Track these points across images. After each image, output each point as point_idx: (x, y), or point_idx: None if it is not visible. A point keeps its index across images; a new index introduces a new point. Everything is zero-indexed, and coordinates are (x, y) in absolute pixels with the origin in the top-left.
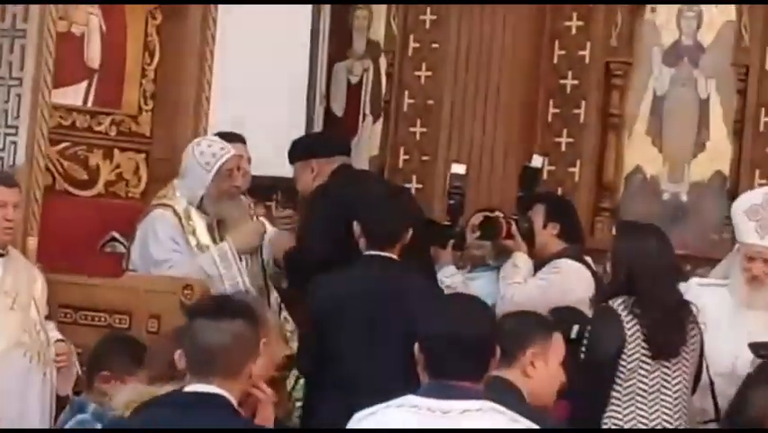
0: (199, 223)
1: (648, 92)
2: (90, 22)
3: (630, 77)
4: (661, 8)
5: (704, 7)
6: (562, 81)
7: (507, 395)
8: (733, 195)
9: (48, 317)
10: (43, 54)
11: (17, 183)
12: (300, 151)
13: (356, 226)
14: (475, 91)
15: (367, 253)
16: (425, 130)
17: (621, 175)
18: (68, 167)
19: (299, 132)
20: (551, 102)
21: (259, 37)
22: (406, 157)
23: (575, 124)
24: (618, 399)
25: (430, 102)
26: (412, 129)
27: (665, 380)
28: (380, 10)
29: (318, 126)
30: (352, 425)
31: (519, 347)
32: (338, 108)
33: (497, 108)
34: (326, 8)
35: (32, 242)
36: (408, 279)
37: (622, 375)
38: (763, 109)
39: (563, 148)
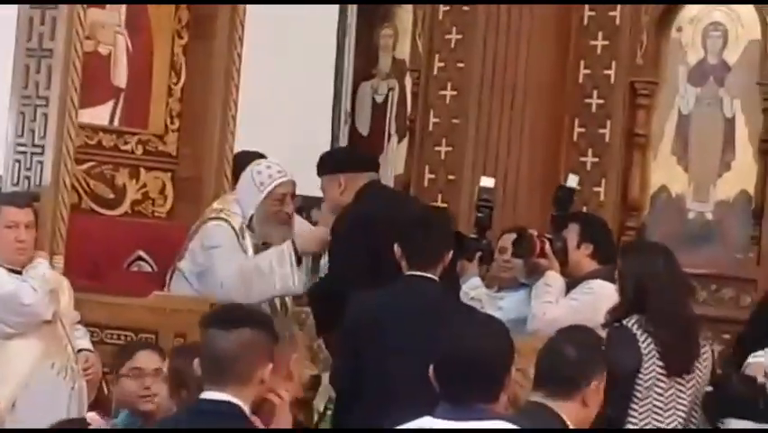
0: (250, 243)
1: (673, 111)
2: (117, 41)
3: (656, 96)
4: (686, 27)
5: (729, 26)
6: (587, 100)
7: (549, 423)
8: (758, 214)
9: (79, 322)
10: (70, 74)
11: (30, 203)
12: (329, 164)
13: (397, 249)
14: (500, 110)
15: (408, 273)
16: (450, 149)
17: (647, 194)
18: (95, 186)
19: (325, 150)
20: (576, 121)
21: (284, 56)
22: (432, 176)
23: (600, 143)
24: (635, 416)
25: (455, 121)
26: (437, 148)
27: (679, 396)
28: (406, 29)
29: (344, 145)
30: None
31: (585, 378)
32: (363, 127)
33: (522, 127)
34: (352, 27)
35: (59, 260)
36: (447, 301)
37: (639, 393)
38: None
39: (589, 167)
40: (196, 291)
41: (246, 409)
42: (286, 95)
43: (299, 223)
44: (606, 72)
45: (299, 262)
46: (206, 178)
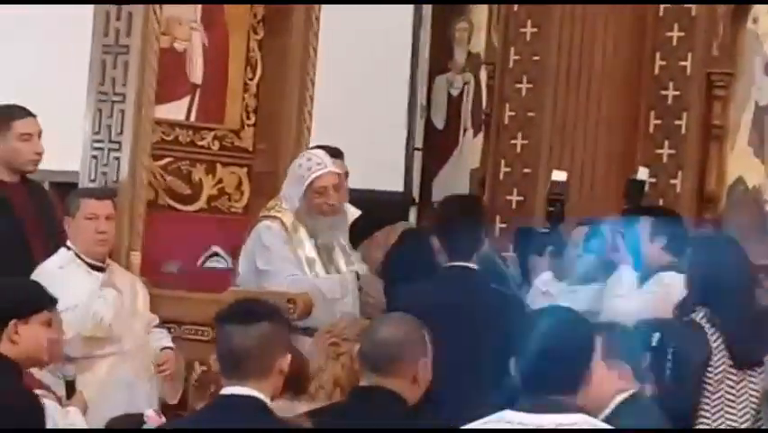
0: (305, 237)
1: (750, 102)
2: (193, 37)
3: (732, 87)
4: (763, 18)
5: None
6: (663, 92)
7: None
8: None
9: (159, 325)
10: (146, 70)
11: (110, 196)
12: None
13: (435, 242)
14: (576, 103)
15: (449, 264)
16: (526, 142)
17: (723, 186)
18: (171, 182)
19: (400, 144)
20: (652, 113)
21: (360, 50)
22: (508, 169)
23: (677, 135)
24: (708, 409)
25: (531, 114)
26: (513, 141)
27: (751, 388)
28: (481, 22)
29: (419, 139)
30: None
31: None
32: (439, 121)
33: (598, 120)
34: (427, 21)
35: (136, 257)
36: (489, 289)
37: (710, 387)
38: None
39: (665, 159)
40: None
41: (269, 401)
42: (361, 89)
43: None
44: (682, 64)
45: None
46: (282, 173)
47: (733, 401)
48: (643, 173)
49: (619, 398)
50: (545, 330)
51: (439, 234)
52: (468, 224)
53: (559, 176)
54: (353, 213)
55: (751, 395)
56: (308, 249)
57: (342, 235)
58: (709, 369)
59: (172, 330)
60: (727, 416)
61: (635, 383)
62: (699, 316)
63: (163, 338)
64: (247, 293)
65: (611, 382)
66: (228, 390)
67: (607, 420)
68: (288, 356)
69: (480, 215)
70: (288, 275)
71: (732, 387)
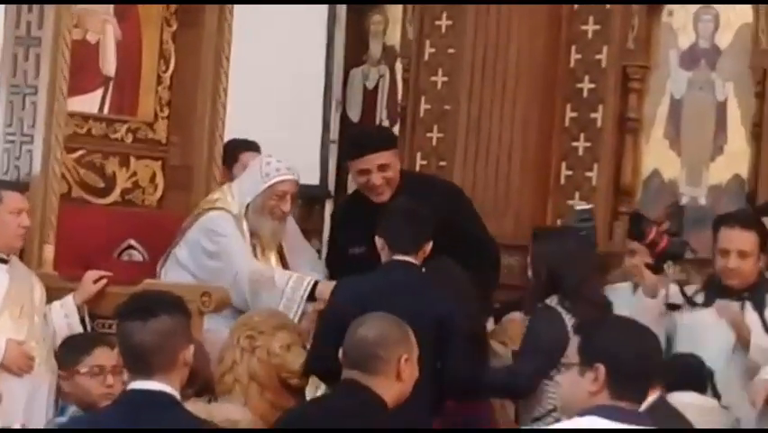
0: (246, 230)
1: (665, 95)
2: (105, 29)
3: (647, 80)
4: (677, 11)
5: (720, 10)
6: (578, 85)
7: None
8: (752, 198)
9: None
10: (58, 62)
11: (24, 189)
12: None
13: (378, 240)
14: (491, 96)
15: (390, 259)
16: (441, 135)
17: (639, 179)
18: (84, 175)
19: (316, 137)
20: (568, 106)
21: (274, 43)
22: (423, 162)
23: (592, 128)
24: (554, 392)
25: (447, 107)
26: (429, 134)
27: None
28: (396, 15)
29: (335, 132)
30: None
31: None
32: (354, 114)
33: (514, 113)
34: (342, 14)
35: (49, 250)
36: (430, 282)
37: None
38: None
39: (581, 152)
40: (197, 278)
41: (176, 394)
42: (276, 82)
43: (303, 246)
44: (597, 57)
45: (311, 299)
46: (197, 166)
47: None
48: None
49: None
50: (639, 340)
51: (380, 231)
52: (409, 220)
53: (583, 206)
54: (293, 228)
55: None
56: (248, 243)
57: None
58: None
59: (86, 324)
60: None
61: None
62: (554, 302)
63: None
64: (163, 286)
65: None
66: (134, 384)
67: None
68: (191, 347)
69: (423, 212)
70: (245, 258)
71: None
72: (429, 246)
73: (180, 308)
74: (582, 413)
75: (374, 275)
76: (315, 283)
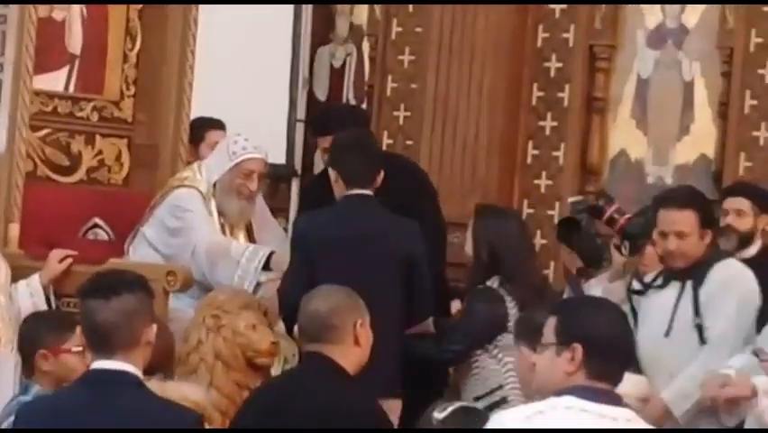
0: (214, 208)
1: (632, 75)
2: (71, 7)
3: (614, 59)
4: None
5: None
6: (545, 64)
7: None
8: (718, 178)
9: None
10: (24, 40)
11: None
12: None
13: (332, 173)
14: (459, 75)
15: (347, 193)
16: (408, 114)
17: (605, 158)
18: (50, 153)
19: (282, 116)
20: (535, 86)
21: (241, 21)
22: (390, 141)
23: (559, 107)
24: (498, 371)
25: (413, 86)
26: (396, 113)
27: None
28: None
29: (301, 110)
30: (517, 423)
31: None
32: (321, 92)
33: (480, 92)
34: None
35: (14, 228)
36: (390, 215)
37: (498, 351)
38: (749, 92)
39: (548, 132)
40: (163, 256)
41: (139, 373)
42: (242, 60)
43: (272, 224)
44: (564, 36)
45: (265, 268)
46: (163, 144)
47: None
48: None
49: None
50: (615, 321)
51: (333, 165)
52: (362, 152)
53: (575, 198)
54: (262, 207)
55: None
56: (215, 221)
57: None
58: (505, 334)
59: (50, 302)
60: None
61: None
62: (495, 284)
63: None
64: (128, 265)
65: None
66: (97, 364)
67: None
68: (154, 326)
69: (372, 144)
70: (207, 232)
71: None
72: (381, 178)
73: (143, 287)
74: (559, 393)
75: (335, 209)
76: (271, 254)
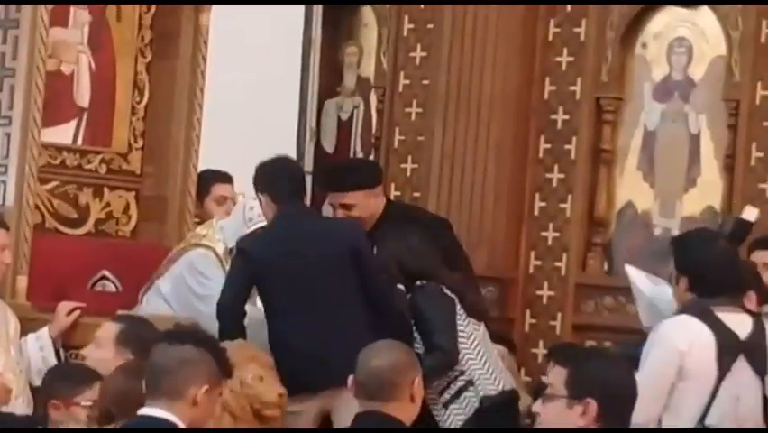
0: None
1: (639, 127)
2: (80, 60)
3: (621, 112)
4: (651, 43)
5: (694, 42)
6: (552, 117)
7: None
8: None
9: None
10: (32, 93)
11: (7, 225)
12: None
13: (260, 197)
14: (466, 127)
15: (281, 208)
16: (415, 166)
17: (613, 210)
18: (58, 205)
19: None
20: (542, 138)
21: (249, 74)
22: (398, 193)
23: (566, 159)
24: (472, 357)
25: (421, 138)
26: (403, 165)
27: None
28: (371, 46)
29: (309, 163)
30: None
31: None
32: (329, 145)
33: (488, 144)
34: (317, 45)
35: (22, 281)
36: (327, 217)
37: (465, 338)
38: (755, 144)
39: (554, 183)
40: (173, 312)
41: (180, 424)
42: (250, 113)
43: None
44: (571, 88)
45: None
46: (171, 197)
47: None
48: (751, 214)
49: None
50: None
51: (261, 188)
52: (286, 171)
53: (751, 214)
54: None
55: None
56: None
57: None
58: (461, 321)
59: (60, 354)
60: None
61: None
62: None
63: None
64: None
65: None
66: (142, 410)
67: None
68: (206, 387)
69: (295, 164)
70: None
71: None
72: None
73: (211, 349)
74: None
75: (275, 226)
76: None
